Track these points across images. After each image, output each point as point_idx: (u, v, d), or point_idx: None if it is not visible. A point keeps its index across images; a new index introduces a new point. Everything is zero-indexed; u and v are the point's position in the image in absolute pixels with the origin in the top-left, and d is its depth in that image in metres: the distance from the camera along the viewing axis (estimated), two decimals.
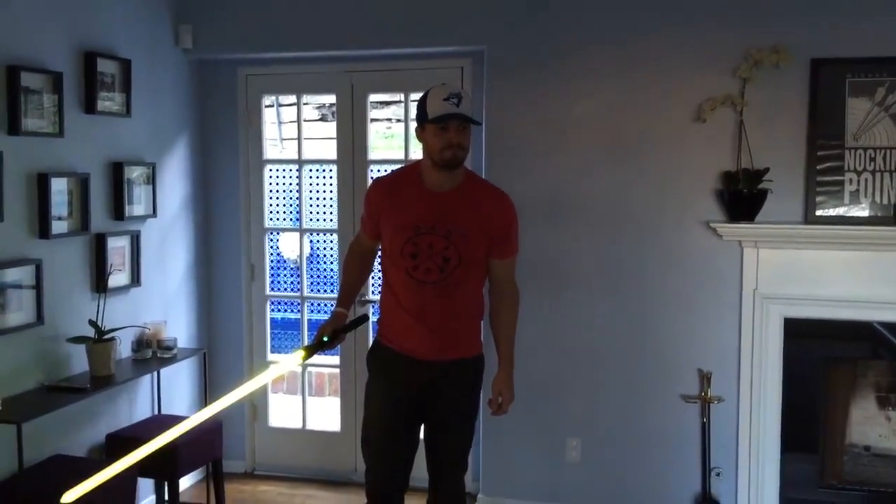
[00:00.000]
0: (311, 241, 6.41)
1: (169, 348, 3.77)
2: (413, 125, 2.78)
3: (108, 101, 3.61)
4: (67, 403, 3.17)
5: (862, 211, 3.45)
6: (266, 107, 4.48)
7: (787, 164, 3.50)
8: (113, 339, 3.43)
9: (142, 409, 3.89)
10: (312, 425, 4.54)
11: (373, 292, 4.30)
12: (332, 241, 5.75)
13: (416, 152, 3.98)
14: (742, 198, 3.48)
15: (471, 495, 3.77)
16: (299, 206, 4.55)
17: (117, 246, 3.68)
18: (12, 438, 2.87)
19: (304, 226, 4.61)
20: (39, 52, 3.24)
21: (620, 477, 3.83)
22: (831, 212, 3.47)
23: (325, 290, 6.09)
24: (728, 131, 3.56)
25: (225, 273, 4.43)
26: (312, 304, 5.17)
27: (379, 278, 2.95)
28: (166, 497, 3.63)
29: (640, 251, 3.73)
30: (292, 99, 4.61)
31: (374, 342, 2.93)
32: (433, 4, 3.88)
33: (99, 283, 3.53)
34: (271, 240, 4.68)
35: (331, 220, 5.68)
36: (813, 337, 3.61)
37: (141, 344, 3.72)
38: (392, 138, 6.02)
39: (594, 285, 3.80)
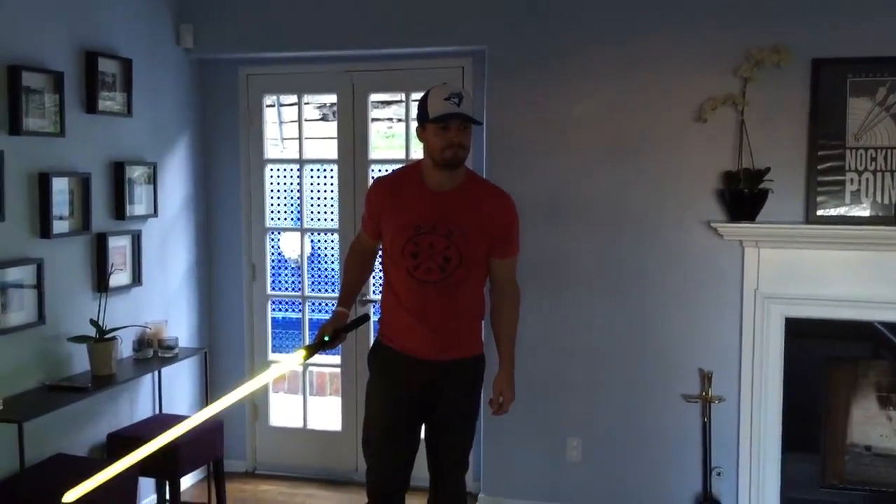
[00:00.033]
0: (311, 241, 6.41)
1: (170, 348, 3.78)
2: (414, 125, 2.78)
3: (109, 101, 3.61)
4: (69, 403, 3.17)
5: (863, 211, 3.45)
6: (267, 106, 4.48)
7: (788, 163, 3.50)
8: (114, 338, 3.43)
9: (143, 409, 3.90)
10: (313, 425, 4.54)
11: (374, 292, 4.30)
12: (333, 241, 5.75)
13: (417, 152, 3.97)
14: (743, 197, 3.48)
15: (471, 495, 3.77)
16: (300, 205, 4.56)
17: (118, 245, 3.68)
18: (14, 438, 2.88)
19: (305, 225, 4.61)
20: (40, 51, 3.25)
21: (621, 477, 3.83)
22: (832, 212, 3.47)
23: (326, 290, 6.09)
24: (729, 131, 3.56)
25: (226, 272, 4.43)
26: (313, 304, 5.18)
27: (380, 278, 2.95)
28: (167, 496, 3.63)
29: (641, 251, 3.73)
30: (293, 98, 4.61)
31: (374, 342, 2.93)
32: (434, 4, 3.88)
33: (100, 283, 3.53)
34: (272, 239, 4.68)
35: (332, 220, 5.68)
36: (814, 337, 3.61)
37: (142, 343, 3.72)
38: (393, 138, 6.02)
39: (595, 285, 3.80)
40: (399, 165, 3.64)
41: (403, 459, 2.83)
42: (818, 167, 3.47)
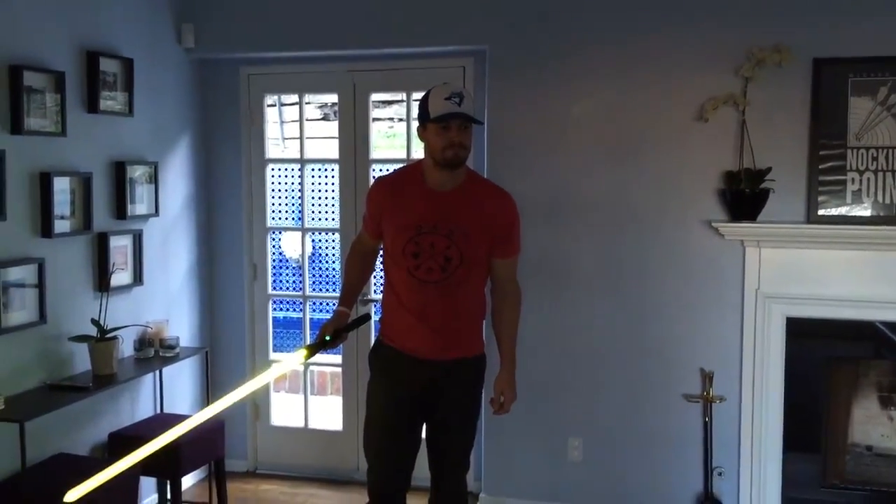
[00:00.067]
0: (313, 241, 6.41)
1: (171, 347, 3.78)
2: (415, 124, 2.78)
3: (111, 101, 3.61)
4: (70, 402, 3.17)
5: (864, 210, 3.45)
6: (268, 106, 4.49)
7: (790, 163, 3.50)
8: (115, 338, 3.43)
9: (144, 408, 3.90)
10: (314, 424, 4.54)
11: (375, 291, 4.30)
12: (334, 241, 5.75)
13: (418, 152, 3.98)
14: (744, 197, 3.48)
15: (473, 494, 3.77)
16: (301, 205, 4.56)
17: (120, 245, 3.68)
18: (15, 437, 2.88)
19: (306, 225, 4.61)
20: (42, 51, 3.25)
21: (622, 476, 3.83)
22: (833, 211, 3.47)
23: (327, 290, 6.09)
24: (730, 131, 3.56)
25: (227, 272, 4.43)
26: (314, 304, 5.18)
27: (381, 277, 2.95)
28: (168, 496, 3.63)
29: (642, 251, 3.73)
30: (294, 98, 4.61)
31: (376, 341, 2.93)
32: (435, 4, 3.88)
33: (101, 282, 3.54)
34: (273, 239, 4.68)
35: (333, 220, 5.67)
36: (815, 336, 3.61)
37: (143, 343, 3.72)
38: (394, 137, 6.01)
39: (596, 285, 3.80)
40: (400, 165, 3.64)
41: (404, 459, 2.83)
42: (819, 167, 3.47)
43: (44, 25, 3.27)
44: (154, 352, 3.75)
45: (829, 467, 3.69)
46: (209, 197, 4.40)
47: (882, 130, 3.42)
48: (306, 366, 4.48)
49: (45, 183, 3.24)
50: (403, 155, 4.28)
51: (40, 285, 3.22)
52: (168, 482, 3.61)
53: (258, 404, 4.51)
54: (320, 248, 6.68)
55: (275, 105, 6.11)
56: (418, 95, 2.80)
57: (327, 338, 2.66)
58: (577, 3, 3.72)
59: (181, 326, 4.13)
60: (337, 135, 4.33)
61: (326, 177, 6.39)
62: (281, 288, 6.12)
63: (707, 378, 3.66)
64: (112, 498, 2.93)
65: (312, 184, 6.43)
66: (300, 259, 4.68)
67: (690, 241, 3.66)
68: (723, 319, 3.66)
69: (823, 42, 3.44)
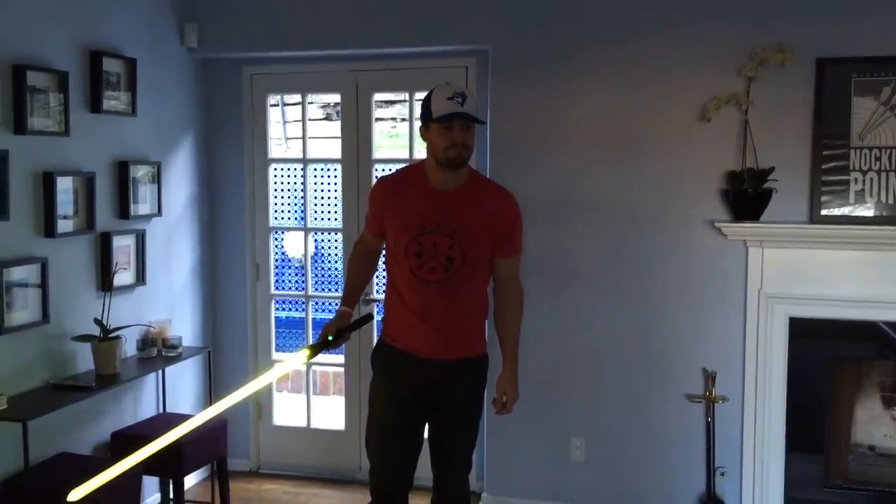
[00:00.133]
0: (315, 240, 6.41)
1: (174, 347, 3.78)
2: (417, 124, 2.78)
3: (114, 101, 3.62)
4: (73, 402, 3.18)
5: (867, 210, 3.44)
6: (271, 106, 4.49)
7: (793, 163, 3.49)
8: (118, 337, 3.43)
9: (147, 408, 3.90)
10: (317, 424, 4.55)
11: (377, 291, 4.30)
12: (336, 240, 5.76)
13: (421, 151, 3.98)
14: (747, 197, 3.48)
15: (475, 494, 3.77)
16: (304, 205, 4.56)
17: (122, 245, 3.69)
18: (18, 436, 2.88)
19: (309, 225, 4.62)
20: (45, 51, 3.25)
21: (624, 476, 3.83)
22: (836, 211, 3.47)
23: (330, 289, 6.10)
24: (733, 131, 3.56)
25: (230, 272, 4.43)
26: (317, 303, 5.18)
27: (384, 277, 2.96)
28: (171, 495, 3.63)
29: (645, 251, 3.73)
30: (297, 98, 4.62)
31: (378, 341, 2.93)
32: (437, 4, 3.88)
33: (104, 282, 3.54)
34: (276, 239, 4.68)
35: (335, 219, 5.69)
36: (818, 336, 3.61)
37: (146, 342, 3.73)
38: (396, 137, 6.01)
39: (598, 285, 3.80)
40: (403, 165, 3.64)
41: (407, 459, 2.83)
42: (822, 167, 3.46)
43: (47, 25, 3.27)
44: (157, 351, 3.75)
45: (832, 467, 3.68)
46: (212, 197, 4.40)
47: (885, 130, 3.41)
48: (309, 366, 4.49)
49: (48, 183, 3.24)
50: (406, 155, 4.28)
51: (43, 285, 3.23)
52: (171, 482, 3.62)
53: (261, 404, 4.51)
54: (323, 247, 6.68)
55: (277, 105, 6.11)
56: (421, 95, 2.80)
57: (330, 338, 2.66)
58: (580, 3, 3.72)
59: (184, 326, 4.14)
60: (339, 134, 4.33)
61: (329, 177, 6.40)
62: (283, 288, 6.13)
63: (710, 378, 3.66)
64: (115, 497, 2.93)
65: (315, 184, 6.44)
66: (303, 259, 4.68)
67: (693, 241, 3.66)
68: (725, 319, 3.65)
69: (826, 42, 3.44)
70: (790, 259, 3.53)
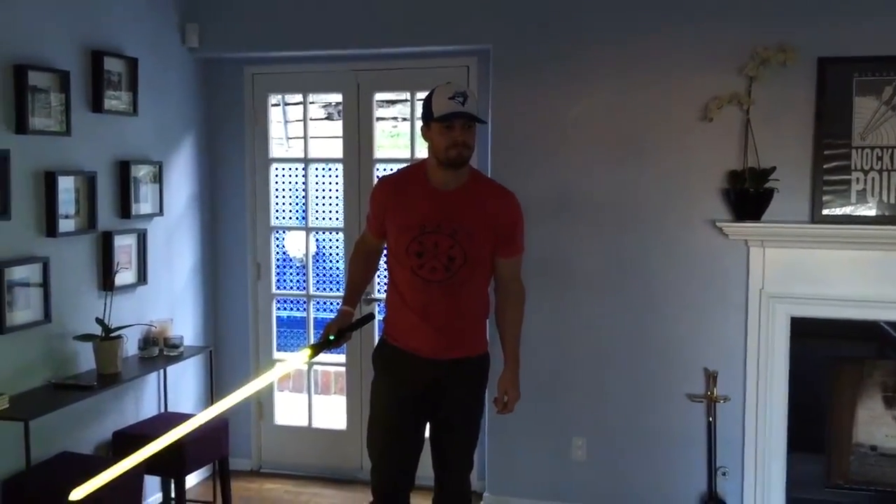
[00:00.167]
0: (316, 240, 6.41)
1: (175, 346, 3.79)
2: (419, 124, 2.78)
3: (115, 100, 3.62)
4: (74, 401, 3.18)
5: (869, 210, 3.44)
6: (272, 105, 4.49)
7: (794, 163, 3.49)
8: (120, 336, 3.44)
9: (148, 407, 3.91)
10: (318, 423, 4.55)
11: (379, 291, 4.30)
12: (337, 240, 5.77)
13: (422, 151, 3.99)
14: (748, 197, 3.47)
15: (476, 494, 3.77)
16: (305, 204, 4.57)
17: (124, 244, 3.69)
18: (20, 436, 2.89)
19: (310, 224, 4.62)
20: (47, 51, 3.25)
21: (626, 476, 3.83)
22: (838, 211, 3.46)
23: (331, 289, 6.10)
24: (734, 130, 3.56)
25: (231, 271, 4.44)
26: (318, 303, 5.19)
27: (385, 277, 2.96)
28: (173, 495, 3.64)
29: (646, 250, 3.73)
30: (298, 98, 4.62)
31: (379, 341, 2.93)
32: (438, 4, 3.88)
33: (106, 282, 3.54)
34: (277, 238, 4.69)
35: (337, 219, 5.68)
36: (819, 336, 3.61)
37: (147, 342, 3.73)
38: (398, 137, 6.01)
39: (600, 284, 3.80)
40: (404, 164, 3.64)
41: (408, 458, 2.83)
42: (824, 166, 3.46)
43: (48, 25, 3.27)
44: (158, 351, 3.75)
45: (834, 467, 3.68)
46: (213, 196, 4.41)
47: (887, 130, 3.41)
48: (310, 365, 4.49)
49: (49, 182, 3.24)
50: (407, 154, 4.28)
51: (45, 284, 3.23)
52: (172, 481, 3.63)
53: (262, 403, 4.51)
54: (324, 247, 6.68)
55: (279, 104, 6.11)
56: (422, 95, 2.80)
57: (331, 337, 2.66)
58: (580, 3, 3.71)
59: (185, 325, 4.14)
60: (341, 134, 4.33)
61: (330, 176, 6.40)
62: (285, 287, 6.13)
63: (711, 378, 3.66)
64: (116, 497, 2.93)
65: (316, 183, 6.44)
66: (304, 258, 4.68)
67: (694, 240, 3.66)
68: (727, 319, 3.65)
69: (828, 41, 3.43)
70: (791, 259, 3.53)
